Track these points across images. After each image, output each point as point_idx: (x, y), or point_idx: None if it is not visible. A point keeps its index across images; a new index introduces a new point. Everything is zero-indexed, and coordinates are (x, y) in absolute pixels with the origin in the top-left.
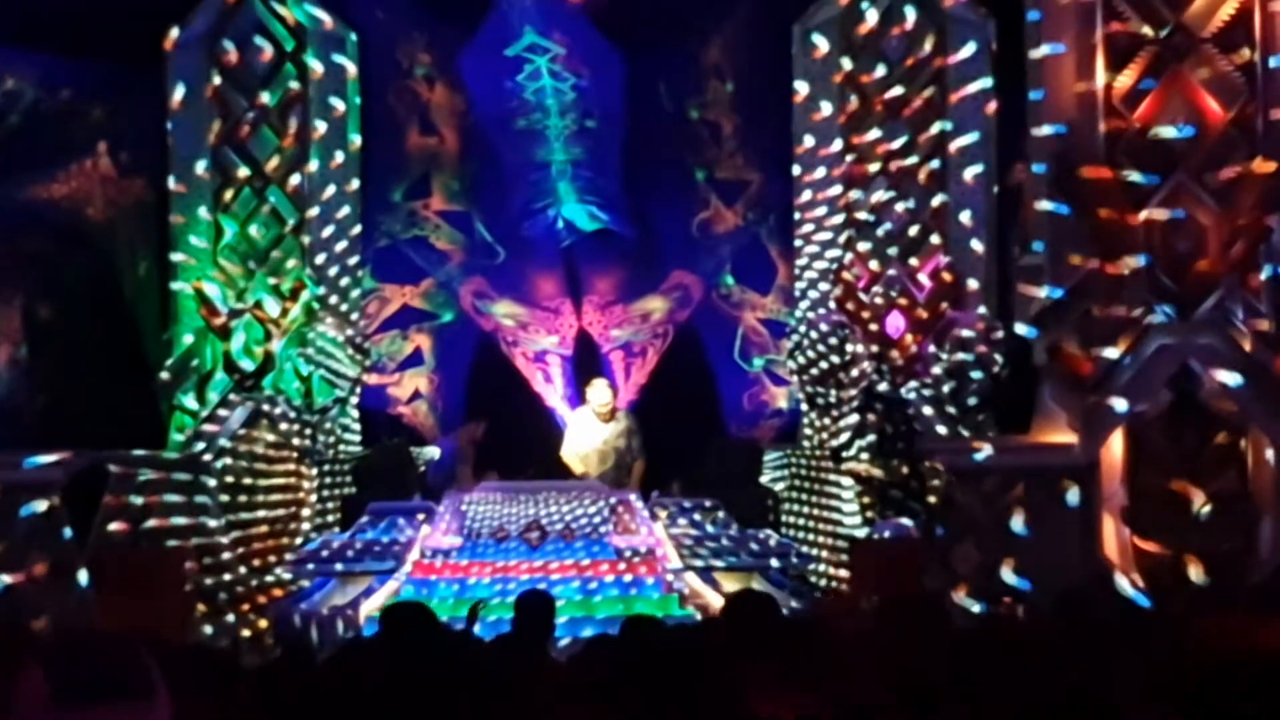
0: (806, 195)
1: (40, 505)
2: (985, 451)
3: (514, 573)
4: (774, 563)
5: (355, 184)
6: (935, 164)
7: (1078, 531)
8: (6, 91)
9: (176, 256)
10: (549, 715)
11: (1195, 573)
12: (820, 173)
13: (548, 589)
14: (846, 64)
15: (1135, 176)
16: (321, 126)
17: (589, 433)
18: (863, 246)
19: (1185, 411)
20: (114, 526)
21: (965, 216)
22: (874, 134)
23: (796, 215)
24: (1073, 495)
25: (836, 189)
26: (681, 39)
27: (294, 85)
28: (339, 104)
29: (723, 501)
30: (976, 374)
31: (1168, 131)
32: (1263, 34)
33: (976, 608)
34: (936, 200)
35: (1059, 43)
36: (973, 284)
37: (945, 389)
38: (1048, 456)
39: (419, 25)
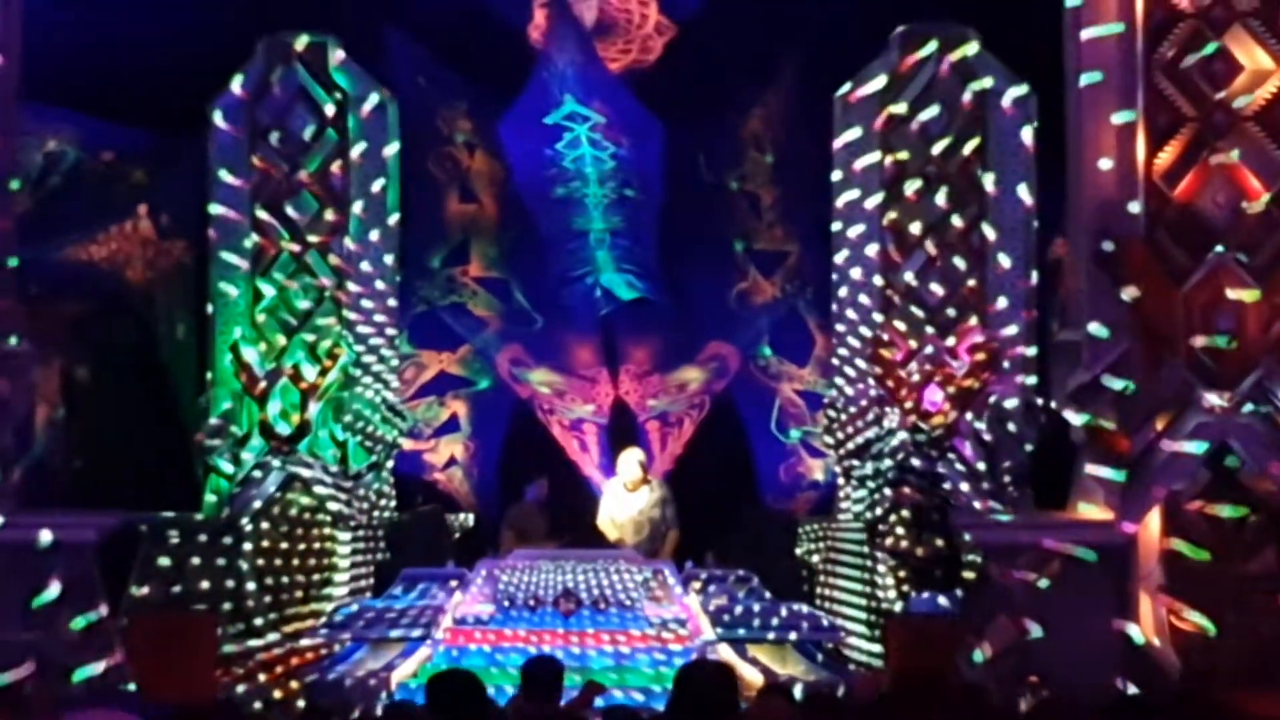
0: (844, 266)
1: (74, 565)
2: (1021, 527)
3: (546, 640)
4: (808, 635)
5: (394, 249)
6: (974, 237)
7: (1114, 609)
8: (48, 153)
9: (215, 321)
10: None
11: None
12: (859, 244)
13: (582, 658)
14: (884, 141)
15: (1175, 253)
16: (361, 193)
17: (623, 502)
18: (901, 320)
19: (1223, 490)
20: (147, 589)
21: (1002, 293)
22: (913, 206)
23: (834, 286)
24: (1108, 572)
25: (875, 261)
26: (722, 110)
27: (335, 152)
28: (379, 170)
29: (757, 573)
30: (1013, 449)
31: (1255, 206)
32: None
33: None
34: (975, 274)
35: (1099, 119)
36: (1009, 360)
37: (982, 464)
38: (1084, 533)
39: (460, 92)
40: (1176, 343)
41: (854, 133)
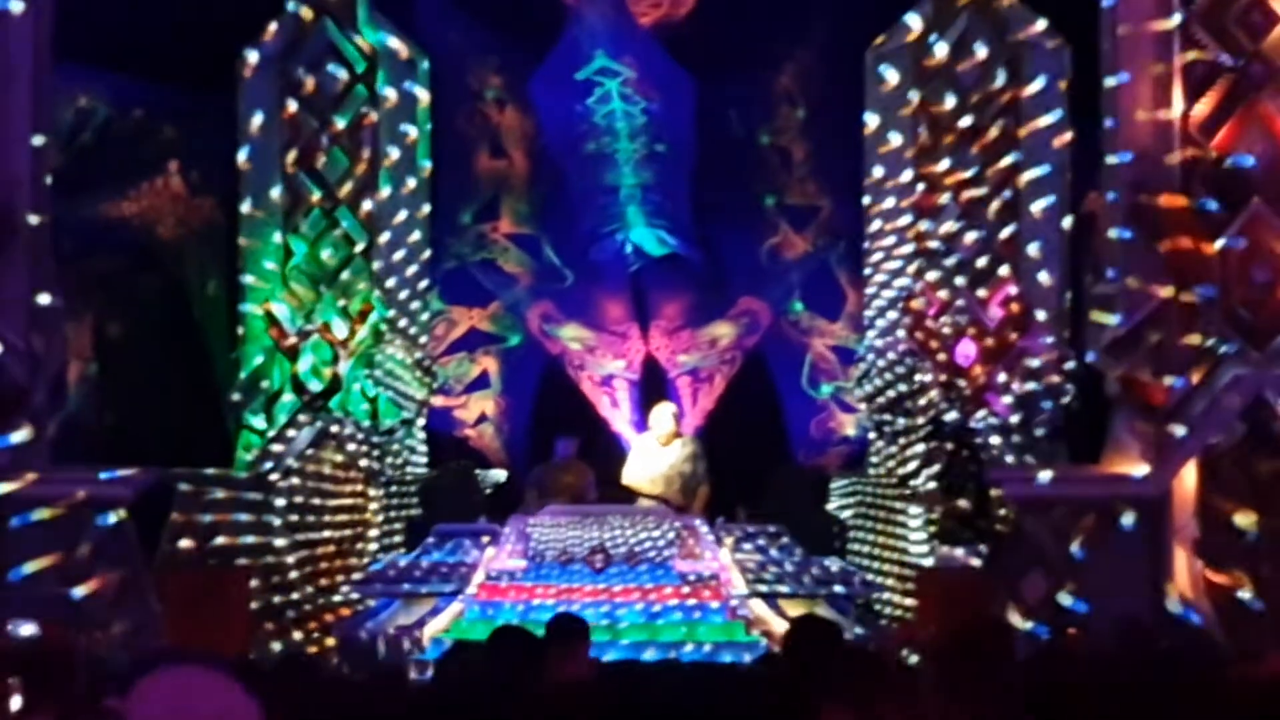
0: (876, 224)
1: (108, 520)
2: (1054, 481)
3: (577, 596)
4: (839, 590)
5: (425, 206)
6: (1006, 193)
7: (1148, 563)
8: (79, 110)
9: (246, 277)
10: None
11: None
12: (890, 201)
13: (611, 612)
14: (918, 93)
15: (1211, 205)
16: (392, 149)
17: (654, 457)
18: (932, 275)
19: (1259, 443)
20: (180, 544)
21: (1036, 246)
22: (945, 163)
23: (866, 243)
24: (1143, 526)
25: (906, 218)
26: (753, 64)
27: (365, 108)
28: (410, 127)
29: (789, 528)
30: (1046, 403)
31: (1245, 160)
32: None
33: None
34: (1007, 229)
35: (1135, 71)
36: (1043, 313)
37: (1014, 418)
38: (1118, 487)
39: (490, 48)
40: (1211, 295)
41: (888, 83)
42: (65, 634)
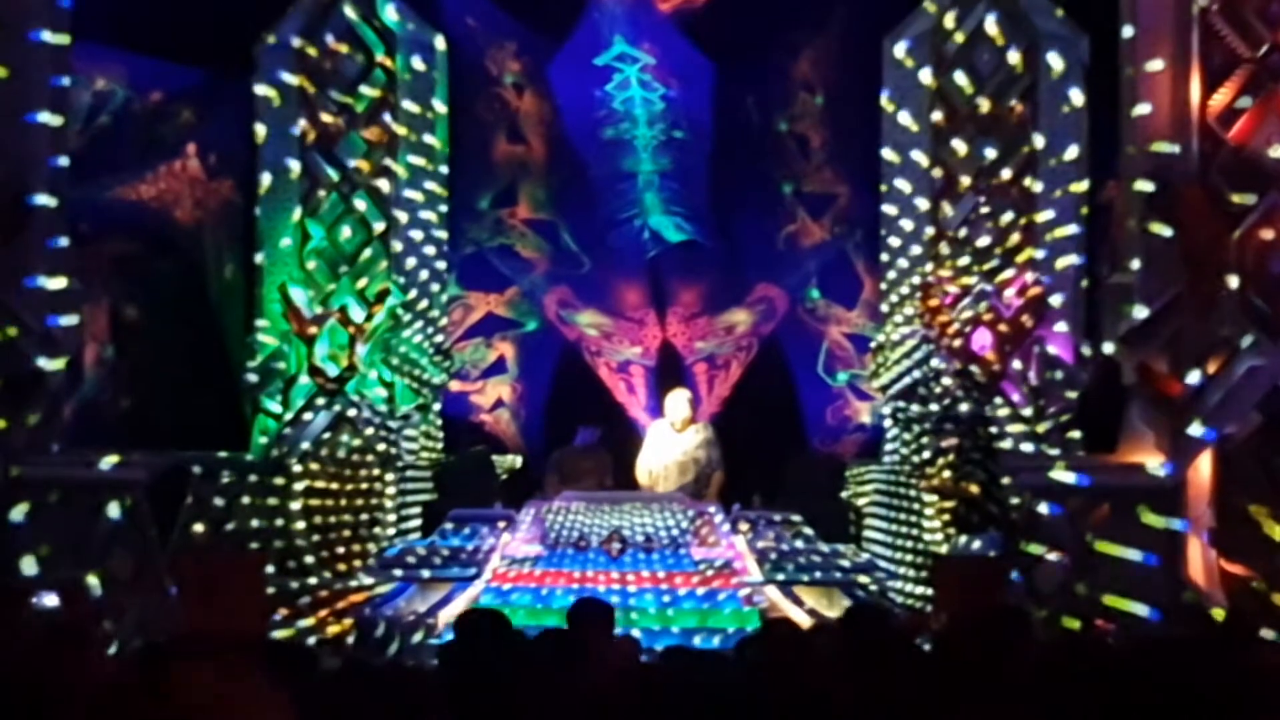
0: (894, 210)
1: (124, 504)
2: (1070, 470)
3: (593, 582)
4: (855, 578)
5: (442, 191)
6: (1025, 181)
7: (1163, 553)
8: (97, 92)
9: (262, 259)
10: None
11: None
12: (908, 188)
13: (625, 599)
14: (936, 79)
15: (1229, 195)
16: (410, 133)
17: (669, 443)
18: (949, 263)
19: (1275, 434)
20: (196, 528)
21: (1054, 234)
22: (963, 150)
23: (883, 230)
24: (1159, 517)
25: (924, 204)
26: (771, 51)
27: (383, 91)
28: (427, 111)
29: (804, 516)
30: (1063, 392)
31: (1277, 152)
32: None
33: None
34: (1025, 217)
35: (1155, 60)
36: (1060, 301)
37: (1029, 408)
38: (1134, 477)
39: (509, 33)
40: (1229, 285)
41: (906, 69)
42: (86, 609)
